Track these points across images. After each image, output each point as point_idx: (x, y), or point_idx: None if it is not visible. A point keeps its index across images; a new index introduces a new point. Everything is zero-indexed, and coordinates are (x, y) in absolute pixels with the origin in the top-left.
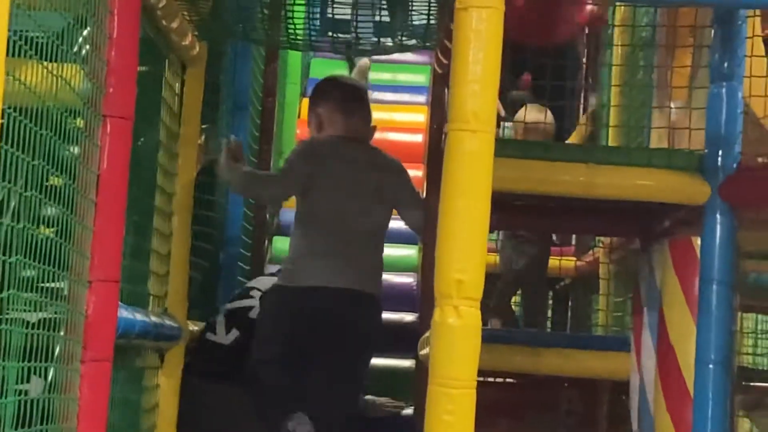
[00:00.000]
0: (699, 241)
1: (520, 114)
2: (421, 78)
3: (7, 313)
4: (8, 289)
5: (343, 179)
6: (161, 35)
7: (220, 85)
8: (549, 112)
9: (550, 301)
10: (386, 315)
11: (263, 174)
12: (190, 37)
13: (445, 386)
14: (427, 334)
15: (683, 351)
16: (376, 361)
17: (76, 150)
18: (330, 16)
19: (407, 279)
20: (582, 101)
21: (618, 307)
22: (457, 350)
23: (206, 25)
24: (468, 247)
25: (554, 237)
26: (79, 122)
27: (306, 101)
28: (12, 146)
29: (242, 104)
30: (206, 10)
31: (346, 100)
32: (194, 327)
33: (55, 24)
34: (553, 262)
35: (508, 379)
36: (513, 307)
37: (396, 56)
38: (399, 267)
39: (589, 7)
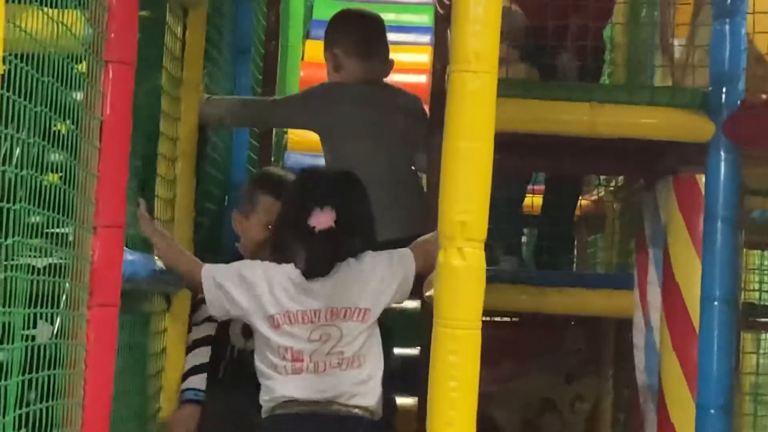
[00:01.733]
0: (703, 179)
1: None
2: (425, 18)
3: (14, 259)
4: (14, 236)
5: (368, 127)
6: None
7: (222, 29)
8: None
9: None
10: None
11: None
12: None
13: (450, 327)
14: (431, 275)
15: (688, 288)
16: None
17: (78, 96)
18: None
19: None
20: None
21: (622, 246)
22: (461, 291)
23: None
24: (471, 188)
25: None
26: (82, 68)
27: (310, 43)
28: (14, 93)
29: (244, 48)
30: None
31: (365, 40)
32: None
33: None
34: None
35: (513, 319)
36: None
37: None
38: None
39: None
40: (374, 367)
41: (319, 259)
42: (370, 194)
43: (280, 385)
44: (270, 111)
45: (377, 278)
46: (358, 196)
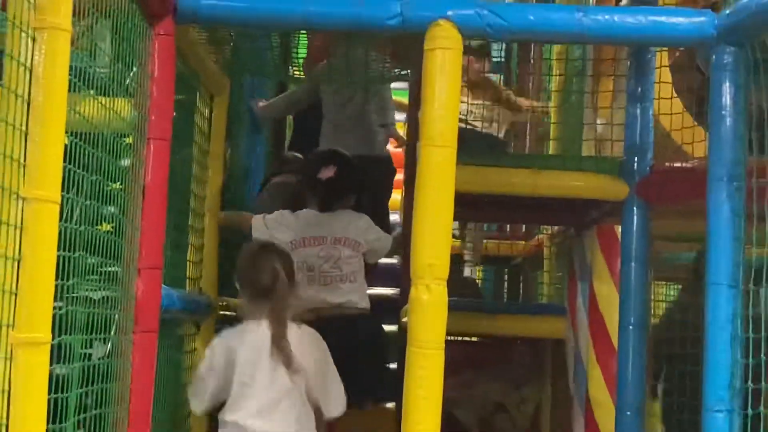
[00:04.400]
0: (620, 229)
1: None
2: (404, 100)
3: (75, 294)
4: (74, 277)
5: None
6: (193, 72)
7: (241, 111)
8: None
9: (506, 277)
10: (376, 291)
11: None
12: (216, 73)
13: (420, 347)
14: (406, 306)
15: (609, 316)
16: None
17: (126, 164)
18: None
19: (392, 261)
20: None
21: (558, 281)
22: (428, 320)
23: (228, 63)
24: (436, 238)
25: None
26: (129, 142)
27: None
28: (74, 165)
29: (258, 128)
30: (228, 52)
31: None
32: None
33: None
34: (507, 245)
35: (472, 339)
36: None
37: None
38: None
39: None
40: (363, 283)
41: (325, 197)
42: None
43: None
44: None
45: (364, 224)
46: (347, 160)
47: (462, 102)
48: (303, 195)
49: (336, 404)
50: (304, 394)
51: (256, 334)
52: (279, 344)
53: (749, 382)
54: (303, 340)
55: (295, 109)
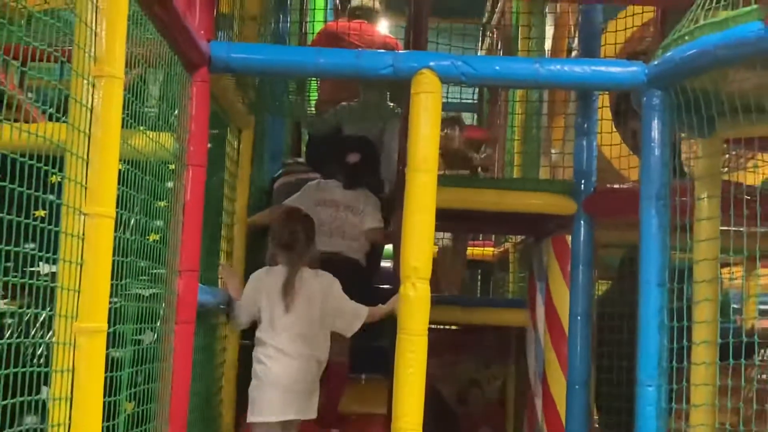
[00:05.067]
0: (570, 238)
1: None
2: None
3: (128, 291)
4: (127, 277)
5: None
6: (224, 111)
7: (263, 142)
8: None
9: (479, 276)
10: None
11: None
12: (243, 112)
13: (408, 334)
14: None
15: (561, 308)
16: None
17: (170, 187)
18: None
19: (387, 264)
20: None
21: (521, 280)
22: (414, 312)
23: (253, 104)
24: (421, 246)
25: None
26: (172, 168)
27: None
28: (127, 187)
29: (277, 155)
30: (253, 95)
31: None
32: None
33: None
34: (479, 251)
35: (452, 326)
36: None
37: None
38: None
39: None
40: (362, 242)
41: (350, 176)
42: None
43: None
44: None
45: (370, 207)
46: (371, 148)
47: None
48: (335, 172)
49: (352, 321)
50: (317, 321)
51: (276, 276)
52: (287, 288)
53: (673, 362)
54: (319, 281)
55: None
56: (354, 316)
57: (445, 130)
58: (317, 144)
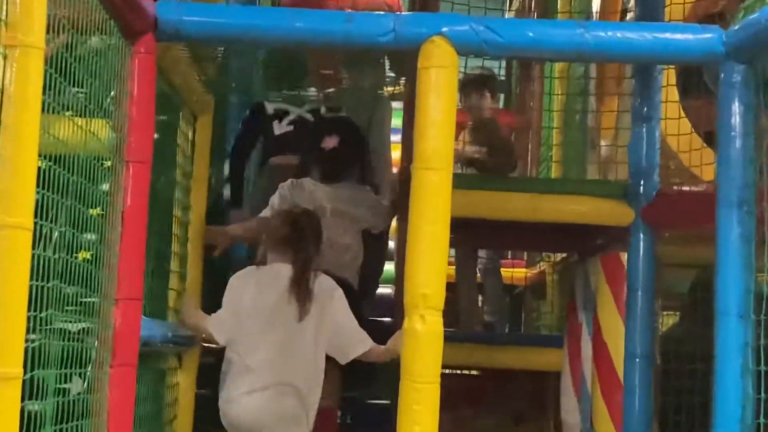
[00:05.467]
0: (626, 256)
1: None
2: (397, 121)
3: (50, 326)
4: (49, 308)
5: None
6: (175, 91)
7: (225, 132)
8: None
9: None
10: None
11: None
12: (200, 92)
13: (414, 381)
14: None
15: (614, 347)
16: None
17: (104, 190)
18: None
19: (387, 290)
20: None
21: (560, 311)
22: (423, 352)
23: (213, 82)
24: (431, 266)
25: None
26: (107, 166)
27: None
28: (48, 190)
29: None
30: (213, 71)
31: None
32: None
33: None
34: (507, 273)
35: (471, 372)
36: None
37: None
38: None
39: None
40: (354, 252)
41: (329, 167)
42: None
43: None
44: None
45: (365, 205)
46: (353, 128)
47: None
48: (304, 167)
49: (354, 344)
50: (312, 336)
51: (273, 274)
52: (299, 287)
53: (761, 418)
54: (318, 283)
55: None
56: (358, 339)
57: (471, 94)
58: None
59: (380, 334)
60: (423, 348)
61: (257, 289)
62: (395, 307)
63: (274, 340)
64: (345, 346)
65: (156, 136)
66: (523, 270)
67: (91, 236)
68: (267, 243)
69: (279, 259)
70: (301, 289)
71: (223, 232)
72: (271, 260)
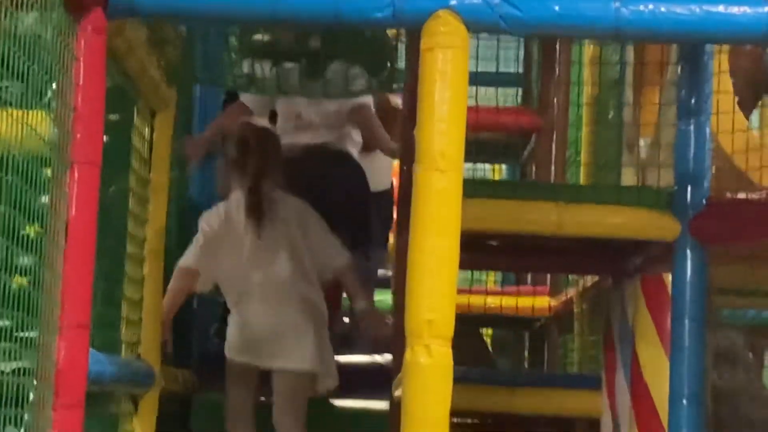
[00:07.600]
0: (670, 278)
1: None
2: None
3: None
4: None
5: None
6: (130, 81)
7: (191, 130)
8: None
9: (527, 341)
10: (360, 358)
11: None
12: (159, 82)
13: (418, 427)
14: (400, 375)
15: (657, 386)
16: (351, 403)
17: (44, 197)
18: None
19: None
20: None
21: (592, 346)
22: (429, 390)
23: (175, 71)
24: (438, 286)
25: None
26: (48, 170)
27: None
28: None
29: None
30: (175, 57)
31: None
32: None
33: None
34: (528, 301)
35: (486, 420)
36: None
37: None
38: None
39: None
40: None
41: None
42: None
43: None
44: None
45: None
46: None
47: None
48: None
49: (335, 255)
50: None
51: (233, 203)
52: (252, 208)
53: None
54: (293, 203)
55: None
56: (338, 250)
57: None
58: None
59: (372, 375)
60: (429, 385)
61: (226, 223)
62: (393, 337)
63: (254, 271)
64: (327, 260)
65: (107, 136)
66: (546, 298)
67: (27, 259)
68: (225, 173)
69: (237, 186)
70: (254, 210)
71: (198, 138)
72: (233, 189)
